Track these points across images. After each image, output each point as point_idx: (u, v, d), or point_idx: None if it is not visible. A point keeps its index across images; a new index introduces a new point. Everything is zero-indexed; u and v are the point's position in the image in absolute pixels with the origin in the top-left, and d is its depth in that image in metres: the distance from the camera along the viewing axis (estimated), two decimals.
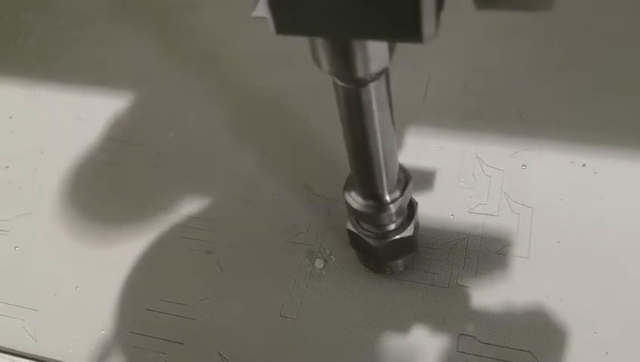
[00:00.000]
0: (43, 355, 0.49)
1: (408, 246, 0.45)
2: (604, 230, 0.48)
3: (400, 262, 0.47)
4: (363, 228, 0.45)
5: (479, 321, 0.45)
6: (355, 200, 0.42)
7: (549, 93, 0.57)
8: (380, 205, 0.41)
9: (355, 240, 0.46)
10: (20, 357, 0.49)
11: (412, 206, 0.45)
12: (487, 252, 0.48)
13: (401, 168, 0.42)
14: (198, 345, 0.47)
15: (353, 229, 0.45)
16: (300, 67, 0.64)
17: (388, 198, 0.41)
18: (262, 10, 0.26)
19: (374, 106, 0.34)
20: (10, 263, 0.54)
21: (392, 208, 0.41)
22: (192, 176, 0.58)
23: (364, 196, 0.41)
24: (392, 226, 0.44)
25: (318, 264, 0.49)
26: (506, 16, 0.64)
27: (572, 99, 0.56)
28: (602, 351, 0.43)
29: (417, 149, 0.55)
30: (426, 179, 0.53)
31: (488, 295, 0.46)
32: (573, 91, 0.57)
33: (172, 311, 0.49)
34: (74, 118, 0.65)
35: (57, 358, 0.48)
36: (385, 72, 0.33)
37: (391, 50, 0.31)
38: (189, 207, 0.55)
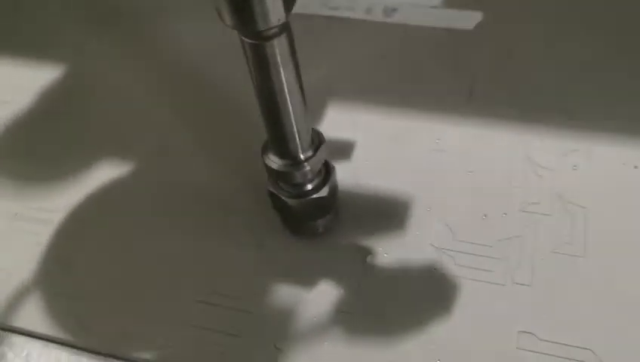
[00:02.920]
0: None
1: (324, 207, 0.48)
2: None
3: (319, 223, 0.50)
4: (282, 189, 0.47)
5: (538, 319, 0.45)
6: (273, 160, 0.45)
7: (598, 93, 0.57)
8: (295, 163, 0.44)
9: (275, 201, 0.48)
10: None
11: (329, 169, 0.48)
12: (542, 250, 0.48)
13: (315, 131, 0.46)
14: (254, 338, 0.47)
15: (273, 190, 0.47)
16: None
17: (302, 156, 0.44)
18: None
19: (279, 62, 0.37)
20: None
21: (306, 166, 0.44)
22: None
23: (280, 155, 0.44)
24: (309, 186, 0.47)
25: None
26: (554, 8, 0.63)
27: (621, 99, 0.57)
28: None
29: (467, 148, 0.56)
30: (477, 178, 0.53)
31: (546, 293, 0.46)
32: (623, 91, 0.57)
33: (225, 303, 0.49)
34: None
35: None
36: (286, 29, 0.36)
37: (287, 4, 0.34)
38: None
